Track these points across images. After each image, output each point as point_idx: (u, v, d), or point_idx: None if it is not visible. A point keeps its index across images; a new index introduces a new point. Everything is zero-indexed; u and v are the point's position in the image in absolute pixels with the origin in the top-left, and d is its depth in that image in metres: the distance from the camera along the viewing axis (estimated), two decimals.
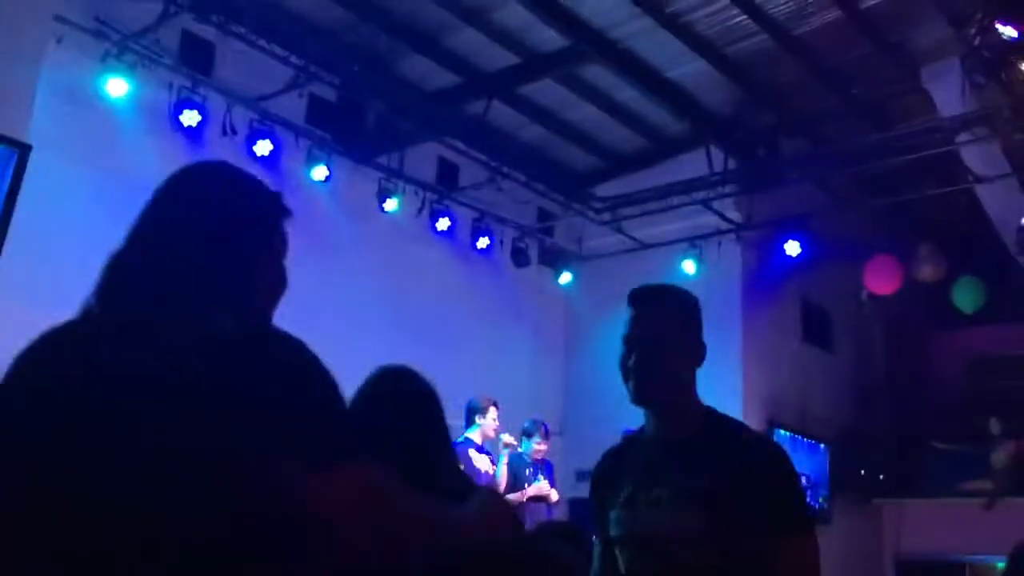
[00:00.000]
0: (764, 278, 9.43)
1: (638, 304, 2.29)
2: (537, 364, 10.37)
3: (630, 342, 2.24)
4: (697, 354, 2.27)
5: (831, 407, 10.65)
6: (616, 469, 2.33)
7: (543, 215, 10.44)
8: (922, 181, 9.12)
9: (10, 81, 4.20)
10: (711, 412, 2.28)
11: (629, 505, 2.19)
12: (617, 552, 2.23)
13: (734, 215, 9.63)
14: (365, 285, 8.77)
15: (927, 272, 9.58)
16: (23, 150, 4.09)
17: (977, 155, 8.12)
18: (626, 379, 2.24)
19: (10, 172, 4.03)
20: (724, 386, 9.54)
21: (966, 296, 10.07)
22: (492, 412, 6.73)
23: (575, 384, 10.40)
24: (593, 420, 7.97)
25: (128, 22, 6.97)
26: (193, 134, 7.51)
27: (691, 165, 9.35)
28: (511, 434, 7.05)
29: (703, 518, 2.08)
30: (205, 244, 1.78)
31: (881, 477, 10.63)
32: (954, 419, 10.92)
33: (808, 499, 2.24)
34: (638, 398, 2.23)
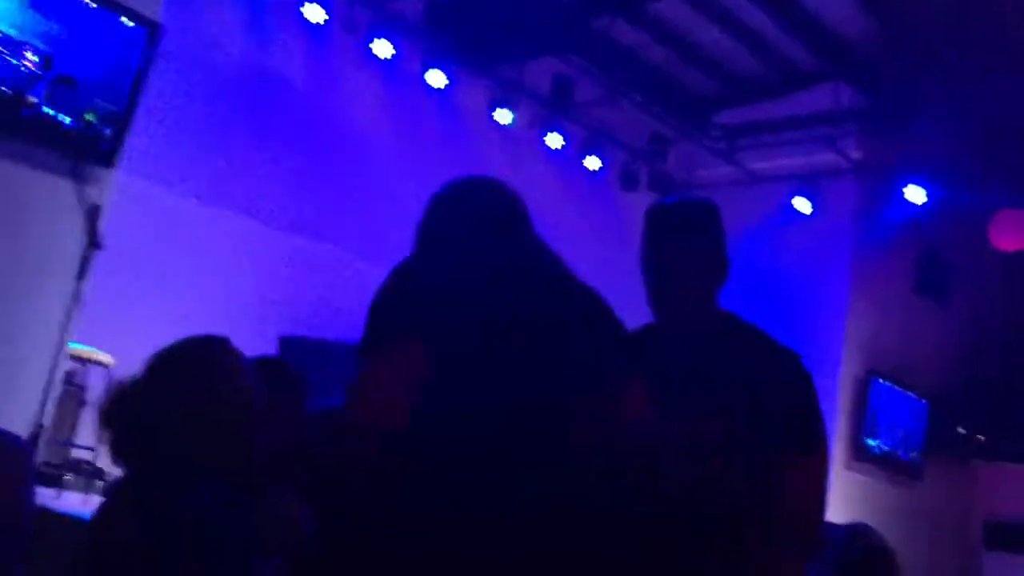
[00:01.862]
0: (879, 223, 9.07)
1: (657, 221, 2.23)
2: (638, 291, 10.28)
3: (649, 262, 2.21)
4: (720, 272, 2.20)
5: (937, 362, 10.30)
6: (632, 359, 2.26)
7: (656, 139, 10.22)
8: None
9: None
10: (731, 316, 2.22)
11: (646, 401, 2.13)
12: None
13: (855, 155, 9.26)
14: None
15: None
16: (153, 28, 4.18)
17: None
18: (646, 289, 2.23)
19: (142, 48, 4.13)
20: (826, 330, 9.35)
21: None
22: None
23: None
24: None
25: None
26: (317, 30, 7.60)
27: (817, 99, 8.99)
28: None
29: (716, 424, 2.02)
30: None
31: (981, 438, 10.29)
32: None
33: (823, 426, 2.17)
34: (659, 308, 2.21)
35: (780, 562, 2.01)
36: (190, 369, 2.01)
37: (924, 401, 10.00)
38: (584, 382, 1.83)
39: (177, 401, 1.96)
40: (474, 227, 2.00)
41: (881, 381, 9.40)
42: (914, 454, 9.87)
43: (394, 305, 1.82)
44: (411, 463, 1.68)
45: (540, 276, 1.97)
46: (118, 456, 2.00)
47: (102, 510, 2.01)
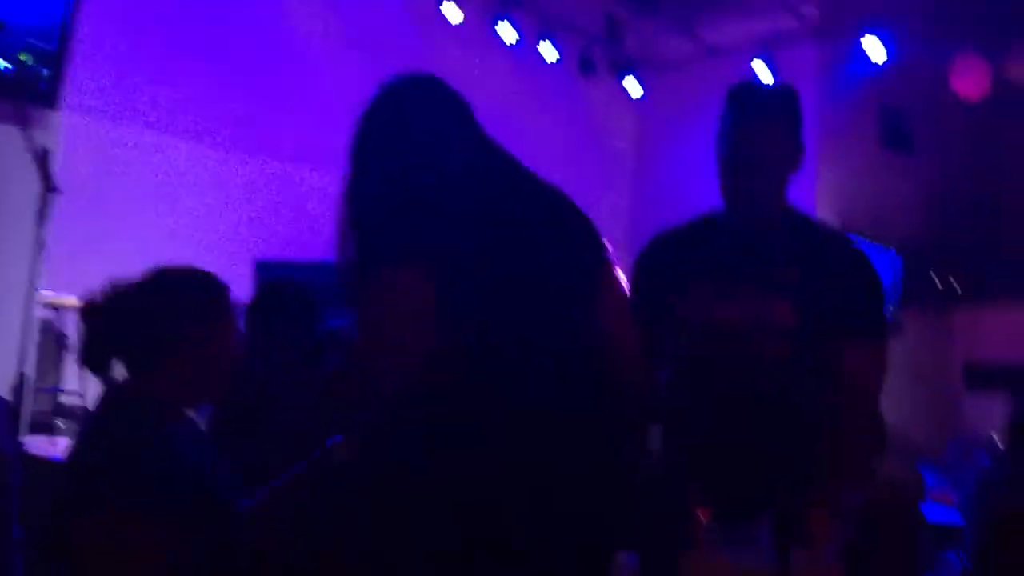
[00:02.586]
0: (842, 80, 9.02)
1: (741, 101, 2.21)
2: (605, 178, 10.24)
3: (730, 140, 2.18)
4: (796, 159, 2.23)
5: (906, 214, 10.40)
6: (685, 253, 2.27)
7: (611, 21, 10.02)
8: None
9: None
10: (795, 210, 2.25)
11: (707, 288, 2.15)
12: (683, 335, 2.20)
13: (812, 14, 9.13)
14: None
15: (1019, 72, 9.05)
16: None
17: None
18: (724, 176, 2.20)
19: None
20: (797, 190, 9.34)
21: None
22: None
23: (648, 198, 10.28)
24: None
25: None
26: None
27: None
28: None
29: (789, 308, 2.06)
30: None
31: (954, 283, 10.46)
32: None
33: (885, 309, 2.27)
34: (736, 196, 2.19)
35: (848, 450, 2.05)
36: (187, 291, 2.00)
37: (897, 254, 10.12)
38: (587, 274, 1.82)
39: (172, 319, 1.96)
40: (438, 130, 1.89)
41: (854, 236, 9.47)
42: (891, 306, 10.04)
43: (385, 223, 1.73)
44: (459, 384, 1.65)
45: (514, 177, 1.90)
46: (92, 357, 1.98)
47: (78, 438, 2.03)
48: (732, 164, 2.16)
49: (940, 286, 10.34)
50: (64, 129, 4.36)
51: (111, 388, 1.99)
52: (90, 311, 2.01)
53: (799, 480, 2.01)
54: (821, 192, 9.15)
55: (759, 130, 2.16)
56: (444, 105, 1.96)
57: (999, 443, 5.73)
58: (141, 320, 1.95)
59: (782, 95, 2.25)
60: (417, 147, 1.87)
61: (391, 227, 1.72)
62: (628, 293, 1.96)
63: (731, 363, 2.08)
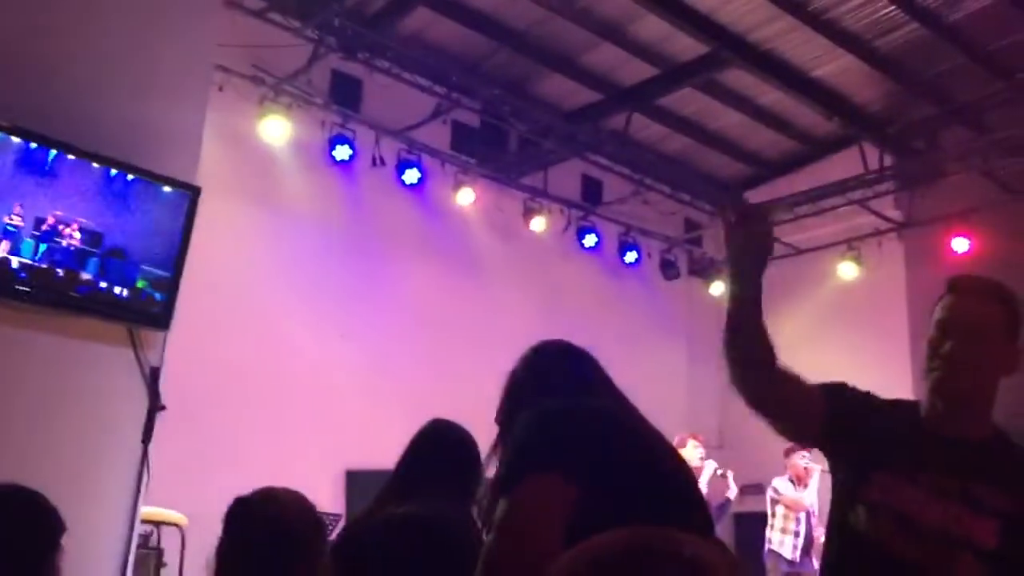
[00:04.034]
0: (931, 278, 8.95)
1: (962, 291, 2.13)
2: (692, 375, 10.20)
3: (947, 328, 2.06)
4: (1012, 361, 2.07)
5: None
6: (882, 422, 2.14)
7: (690, 226, 10.31)
8: None
9: (179, 129, 4.50)
10: (1001, 428, 2.12)
11: (910, 481, 2.04)
12: (864, 510, 2.07)
13: (894, 214, 9.22)
14: (515, 305, 8.88)
15: None
16: (194, 192, 4.36)
17: None
18: (930, 368, 2.08)
19: (183, 213, 4.29)
20: (892, 394, 9.11)
21: None
22: (692, 446, 6.92)
23: (732, 394, 10.14)
24: (752, 431, 7.73)
25: (282, 66, 7.36)
26: (346, 167, 7.85)
27: (844, 165, 9.02)
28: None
29: (999, 531, 1.95)
30: None
31: None
32: None
33: None
34: (942, 388, 2.06)
35: None
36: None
37: None
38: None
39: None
40: (590, 380, 2.20)
41: None
42: None
43: (538, 442, 1.89)
44: None
45: (638, 420, 2.10)
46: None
47: None
48: (950, 337, 2.04)
49: None
50: (170, 347, 4.59)
51: None
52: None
53: None
54: (916, 388, 8.89)
55: (984, 308, 2.06)
56: (583, 357, 2.23)
57: None
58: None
59: (1000, 290, 2.13)
60: (566, 383, 2.14)
61: (540, 442, 1.85)
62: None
63: (918, 570, 1.95)
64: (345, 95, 7.87)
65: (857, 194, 8.87)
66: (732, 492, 7.21)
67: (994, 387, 2.09)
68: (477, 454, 2.91)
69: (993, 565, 1.92)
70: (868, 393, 2.23)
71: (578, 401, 2.05)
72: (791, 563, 7.27)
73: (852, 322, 9.13)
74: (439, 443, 2.96)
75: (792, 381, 2.16)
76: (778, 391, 2.14)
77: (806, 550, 7.26)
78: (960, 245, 8.67)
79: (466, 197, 8.39)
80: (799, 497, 7.32)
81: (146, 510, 4.55)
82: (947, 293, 2.13)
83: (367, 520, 2.71)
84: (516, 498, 1.78)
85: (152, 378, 4.20)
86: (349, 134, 7.69)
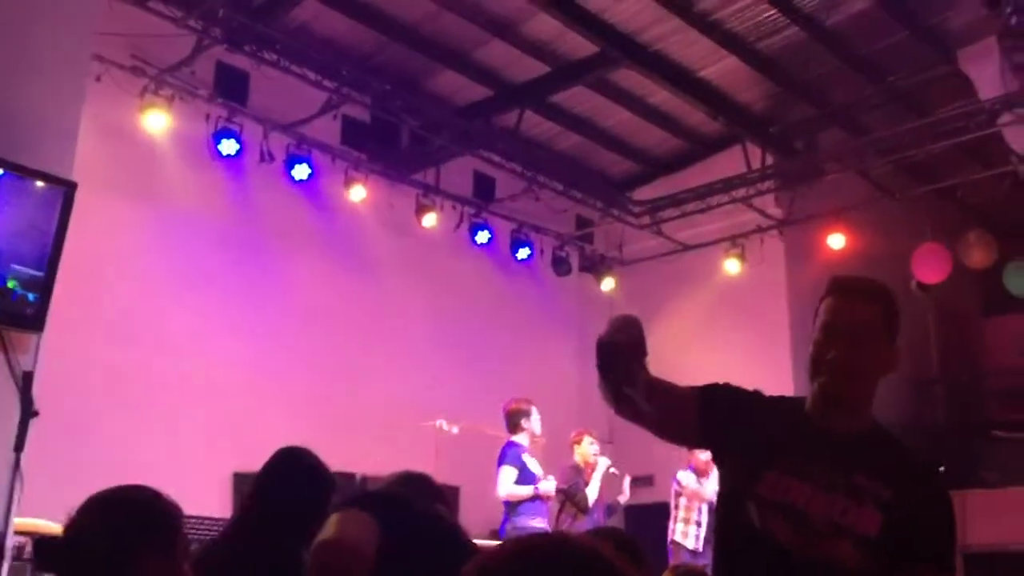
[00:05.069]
0: (809, 273, 9.31)
1: (843, 292, 2.14)
2: (583, 371, 10.31)
3: (831, 333, 2.09)
4: (892, 361, 2.14)
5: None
6: (773, 425, 2.17)
7: (582, 222, 10.43)
8: (966, 165, 8.96)
9: (54, 120, 4.29)
10: (878, 422, 2.19)
11: (798, 476, 2.08)
12: (753, 507, 2.11)
13: (775, 212, 9.54)
14: (407, 301, 8.83)
15: (977, 258, 9.39)
16: (70, 188, 4.17)
17: (1020, 135, 7.95)
18: (816, 372, 2.11)
19: (58, 210, 4.10)
20: (774, 386, 9.44)
21: (1018, 280, 9.84)
22: (535, 412, 6.76)
23: None
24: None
25: (164, 57, 7.11)
26: (232, 163, 7.64)
27: (729, 164, 9.29)
28: (560, 440, 7.10)
29: (882, 522, 2.01)
30: None
31: (942, 469, 10.41)
32: (1014, 405, 10.67)
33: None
34: (827, 393, 2.10)
35: None
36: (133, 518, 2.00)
37: None
38: None
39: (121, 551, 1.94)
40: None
41: None
42: None
43: None
44: None
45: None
46: None
47: None
48: (836, 342, 2.07)
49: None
50: (44, 351, 4.38)
51: None
52: (45, 551, 1.96)
53: None
54: (799, 388, 9.21)
55: (867, 310, 2.09)
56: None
57: None
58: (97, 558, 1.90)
59: (880, 290, 2.16)
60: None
61: None
62: None
63: (805, 560, 2.01)
64: (231, 88, 7.66)
65: (741, 192, 9.14)
66: (624, 497, 7.22)
67: (875, 386, 2.15)
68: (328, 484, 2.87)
69: (874, 552, 2.00)
70: (753, 392, 2.27)
71: None
72: (693, 553, 7.41)
73: (737, 316, 9.42)
74: (287, 476, 2.87)
75: (664, 393, 2.19)
76: (652, 407, 2.15)
77: (708, 540, 7.42)
78: (836, 242, 9.04)
79: (357, 193, 8.28)
80: (700, 489, 7.47)
81: (19, 521, 4.34)
82: (829, 294, 2.17)
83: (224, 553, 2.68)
84: None
85: (24, 383, 4.01)
86: (236, 128, 7.49)
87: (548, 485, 6.57)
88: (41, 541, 1.95)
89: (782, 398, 2.27)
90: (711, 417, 2.20)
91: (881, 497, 2.03)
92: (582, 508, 6.72)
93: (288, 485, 2.83)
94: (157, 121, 7.16)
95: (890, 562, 2.01)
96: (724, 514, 2.22)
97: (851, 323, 2.09)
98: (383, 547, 2.01)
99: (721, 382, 2.28)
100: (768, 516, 2.07)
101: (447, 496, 2.68)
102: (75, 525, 1.95)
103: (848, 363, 2.08)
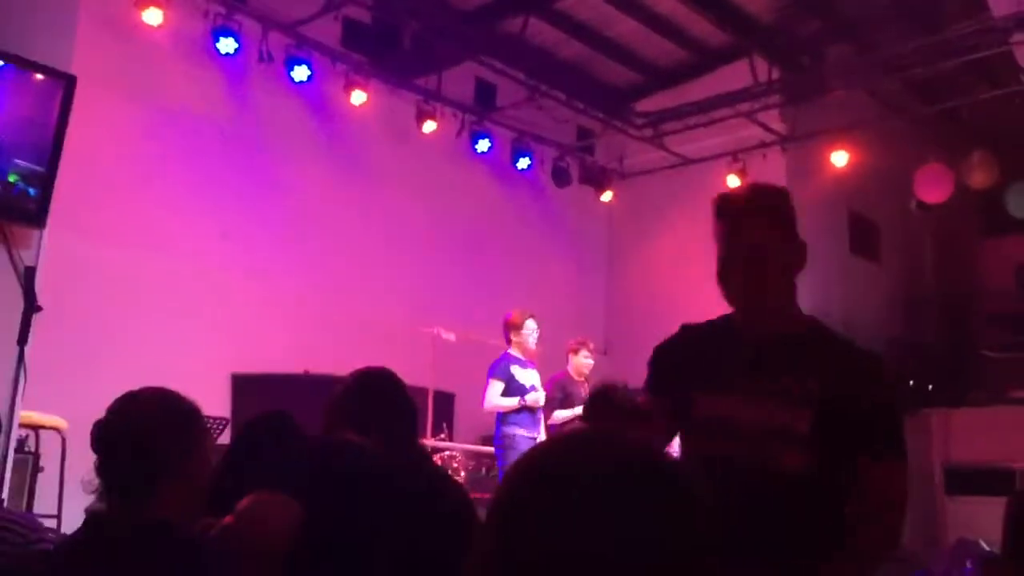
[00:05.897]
0: (810, 190, 9.27)
1: (732, 212, 2.15)
2: (580, 283, 10.38)
3: (730, 263, 2.12)
4: (799, 255, 2.16)
5: (880, 318, 10.56)
6: (700, 350, 2.23)
7: (583, 133, 10.33)
8: (974, 85, 8.84)
9: (52, 13, 4.21)
10: (815, 318, 2.22)
11: (726, 391, 2.13)
12: (695, 433, 2.17)
13: (779, 127, 9.44)
14: (405, 208, 8.80)
15: (979, 178, 9.35)
16: (69, 81, 4.11)
17: None
18: (729, 291, 2.14)
19: (58, 103, 4.06)
20: None
21: (1020, 202, 9.84)
22: (530, 325, 6.78)
23: (619, 302, 10.40)
24: (637, 338, 7.94)
25: None
26: (231, 62, 7.51)
27: (734, 77, 9.15)
28: (557, 351, 7.15)
29: (812, 419, 2.04)
30: None
31: (930, 387, 10.57)
32: (1006, 327, 10.77)
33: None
34: (743, 308, 2.16)
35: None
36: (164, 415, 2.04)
37: None
38: None
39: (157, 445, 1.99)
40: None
41: None
42: None
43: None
44: None
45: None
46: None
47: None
48: (735, 268, 2.10)
49: (914, 388, 10.44)
50: (47, 247, 4.37)
51: (100, 519, 1.95)
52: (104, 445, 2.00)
53: None
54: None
55: (755, 227, 2.09)
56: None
57: (986, 547, 5.70)
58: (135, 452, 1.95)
59: (767, 196, 2.19)
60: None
61: None
62: None
63: (745, 466, 2.05)
64: None
65: (745, 106, 9.03)
66: None
67: (791, 283, 2.17)
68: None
69: (810, 449, 2.04)
70: (679, 332, 2.32)
71: None
72: None
73: None
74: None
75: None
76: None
77: None
78: (839, 159, 8.98)
79: (358, 98, 8.16)
80: None
81: (23, 414, 4.41)
82: (719, 219, 2.16)
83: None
84: None
85: (27, 278, 4.02)
86: (234, 26, 7.34)
87: (536, 396, 6.66)
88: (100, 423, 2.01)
89: (711, 321, 2.30)
90: (663, 388, 2.28)
91: (811, 394, 2.06)
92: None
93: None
94: (154, 16, 7.01)
95: (829, 457, 2.03)
96: (683, 450, 2.29)
97: (747, 248, 2.10)
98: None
99: (651, 355, 2.34)
100: (704, 436, 2.13)
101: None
102: (124, 412, 1.99)
103: (755, 285, 2.10)
